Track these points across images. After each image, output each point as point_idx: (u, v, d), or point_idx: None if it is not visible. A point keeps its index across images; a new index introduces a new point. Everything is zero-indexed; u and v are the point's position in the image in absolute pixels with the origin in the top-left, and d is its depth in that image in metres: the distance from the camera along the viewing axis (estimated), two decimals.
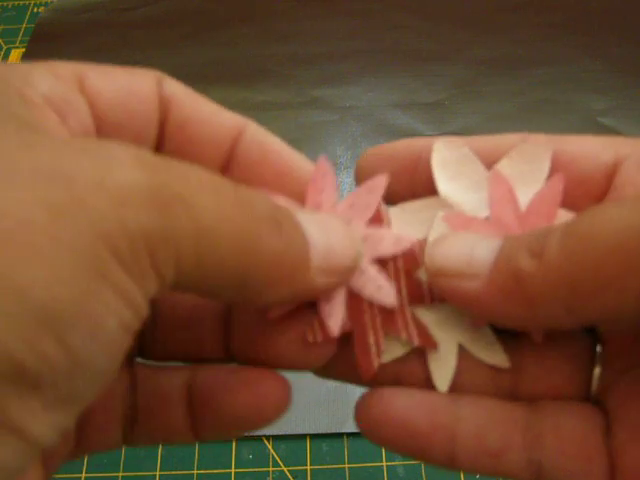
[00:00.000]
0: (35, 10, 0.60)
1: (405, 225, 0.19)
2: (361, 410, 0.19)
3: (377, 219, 0.19)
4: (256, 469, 0.36)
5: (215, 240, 0.14)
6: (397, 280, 0.19)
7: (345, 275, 0.18)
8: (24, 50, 0.56)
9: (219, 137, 0.19)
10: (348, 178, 0.47)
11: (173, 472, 0.36)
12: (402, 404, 0.18)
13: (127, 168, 0.13)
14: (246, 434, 0.19)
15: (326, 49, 0.55)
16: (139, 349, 0.20)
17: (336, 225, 0.18)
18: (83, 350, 0.12)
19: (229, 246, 0.14)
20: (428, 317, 0.19)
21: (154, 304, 0.20)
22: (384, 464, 0.36)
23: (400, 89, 0.52)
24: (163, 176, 0.13)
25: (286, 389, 0.18)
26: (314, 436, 0.37)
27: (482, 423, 0.18)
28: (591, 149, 0.19)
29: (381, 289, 0.18)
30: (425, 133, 0.49)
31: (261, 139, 0.20)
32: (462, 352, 0.19)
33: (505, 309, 0.16)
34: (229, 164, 0.19)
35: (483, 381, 0.19)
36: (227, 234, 0.14)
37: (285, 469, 0.36)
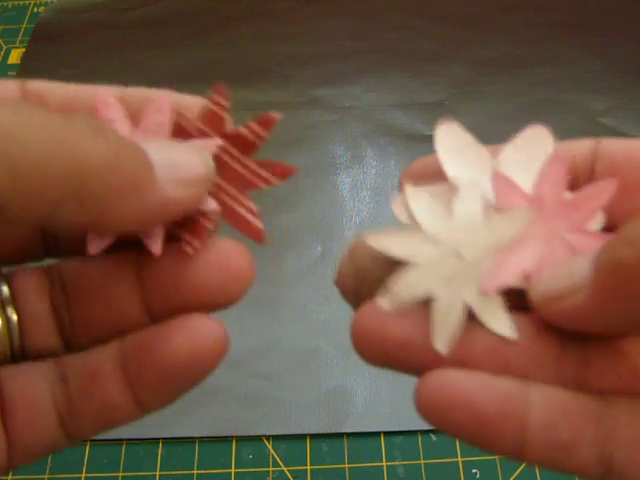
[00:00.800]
0: (35, 10, 0.60)
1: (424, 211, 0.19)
2: (423, 392, 0.18)
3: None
4: (256, 469, 0.36)
5: (22, 144, 0.13)
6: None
7: (199, 185, 0.17)
8: (24, 50, 0.56)
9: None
10: (348, 178, 0.47)
11: (173, 472, 0.36)
12: (471, 388, 0.17)
13: None
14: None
15: (326, 49, 0.55)
16: (65, 341, 0.19)
17: (176, 143, 0.17)
18: None
19: (42, 149, 0.13)
20: (440, 270, 0.18)
21: (63, 285, 0.19)
22: (384, 464, 0.36)
23: (400, 89, 0.52)
24: None
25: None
26: (314, 436, 0.37)
27: (554, 413, 0.17)
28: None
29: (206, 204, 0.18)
30: (425, 133, 0.49)
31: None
32: (527, 340, 0.18)
33: (612, 310, 0.16)
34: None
35: (548, 373, 0.18)
36: (35, 136, 0.13)
37: (285, 469, 0.36)
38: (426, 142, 0.48)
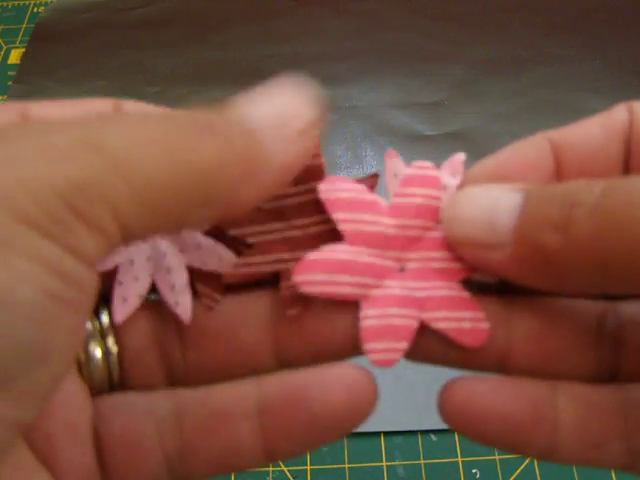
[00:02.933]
0: (35, 10, 0.60)
1: None
2: (450, 402, 0.17)
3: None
4: (256, 469, 0.36)
5: (141, 169, 0.13)
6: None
7: (308, 135, 0.16)
8: (24, 50, 0.56)
9: None
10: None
11: None
12: (501, 398, 0.17)
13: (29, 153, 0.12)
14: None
15: (326, 49, 0.55)
16: (170, 379, 0.18)
17: (281, 92, 0.16)
18: None
19: (158, 167, 0.13)
20: None
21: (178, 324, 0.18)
22: (384, 464, 0.36)
23: (400, 89, 0.52)
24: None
25: (372, 378, 0.17)
26: None
27: (582, 413, 0.17)
28: (596, 123, 0.18)
29: (222, 258, 0.18)
30: (425, 133, 0.49)
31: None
32: (559, 335, 0.18)
33: (534, 279, 0.16)
34: None
35: (581, 363, 0.18)
36: (149, 156, 0.13)
37: (285, 469, 0.36)
38: (426, 142, 0.48)
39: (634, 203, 0.14)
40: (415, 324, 0.17)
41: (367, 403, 0.16)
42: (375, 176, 0.19)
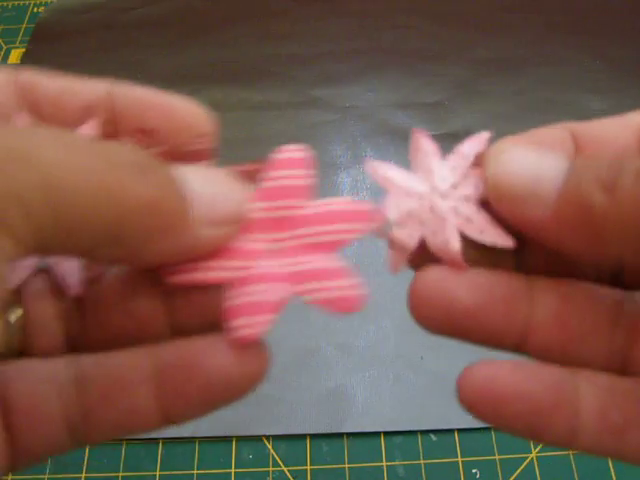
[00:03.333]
0: (35, 10, 0.60)
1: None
2: (469, 385, 0.17)
3: None
4: (256, 469, 0.36)
5: (69, 191, 0.13)
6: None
7: (233, 225, 0.17)
8: (24, 50, 0.56)
9: (75, 106, 0.19)
10: (348, 178, 0.47)
11: (173, 472, 0.36)
12: (521, 379, 0.17)
13: None
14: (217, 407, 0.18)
15: (326, 49, 0.55)
16: (71, 343, 0.19)
17: (218, 173, 0.17)
18: None
19: (86, 196, 0.13)
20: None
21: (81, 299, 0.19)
22: (384, 464, 0.36)
23: (400, 89, 0.52)
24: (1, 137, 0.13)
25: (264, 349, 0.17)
26: (314, 436, 0.37)
27: (604, 400, 0.17)
28: (613, 121, 0.19)
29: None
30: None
31: (135, 93, 0.20)
32: (579, 319, 0.18)
33: (572, 241, 0.16)
34: (117, 130, 0.19)
35: (602, 340, 0.18)
36: (82, 183, 0.13)
37: (285, 469, 0.36)
38: None
39: None
40: (283, 297, 0.18)
41: (259, 367, 0.17)
42: (257, 164, 0.19)
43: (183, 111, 0.20)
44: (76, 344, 0.19)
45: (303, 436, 0.37)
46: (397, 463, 0.36)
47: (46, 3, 0.60)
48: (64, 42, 0.56)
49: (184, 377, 0.17)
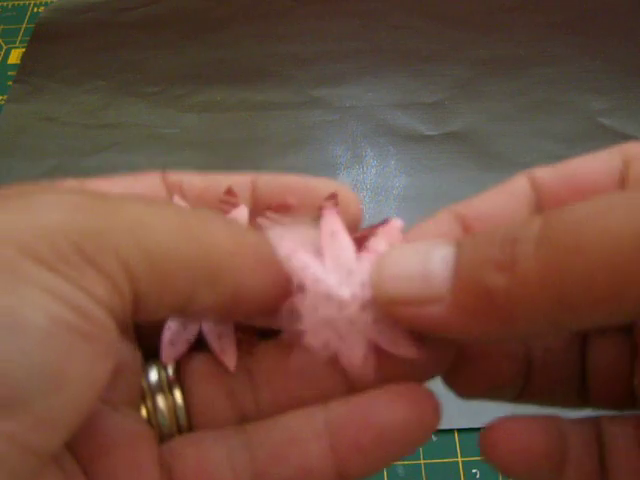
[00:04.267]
0: (35, 10, 0.60)
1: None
2: (494, 446, 0.18)
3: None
4: None
5: (154, 233, 0.14)
6: None
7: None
8: (24, 50, 0.56)
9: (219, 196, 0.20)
10: (348, 178, 0.47)
11: None
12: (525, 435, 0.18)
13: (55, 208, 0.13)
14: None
15: (326, 49, 0.55)
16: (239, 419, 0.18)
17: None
18: (5, 347, 0.12)
19: (174, 237, 0.14)
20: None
21: None
22: None
23: (400, 89, 0.52)
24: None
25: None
26: None
27: (587, 442, 0.18)
28: (596, 160, 0.18)
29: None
30: (425, 133, 0.49)
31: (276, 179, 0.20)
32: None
33: (479, 329, 0.15)
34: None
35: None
36: (164, 227, 0.14)
37: None
38: (426, 142, 0.48)
39: (577, 228, 0.13)
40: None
41: (431, 415, 0.17)
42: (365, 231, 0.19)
43: (324, 189, 0.19)
44: (246, 415, 0.18)
45: None
46: (397, 463, 0.36)
47: (46, 3, 0.60)
48: (64, 42, 0.56)
49: (358, 431, 0.17)
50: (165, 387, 0.19)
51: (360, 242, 0.18)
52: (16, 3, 0.61)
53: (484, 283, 0.14)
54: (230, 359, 0.18)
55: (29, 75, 0.54)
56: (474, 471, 0.35)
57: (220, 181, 0.20)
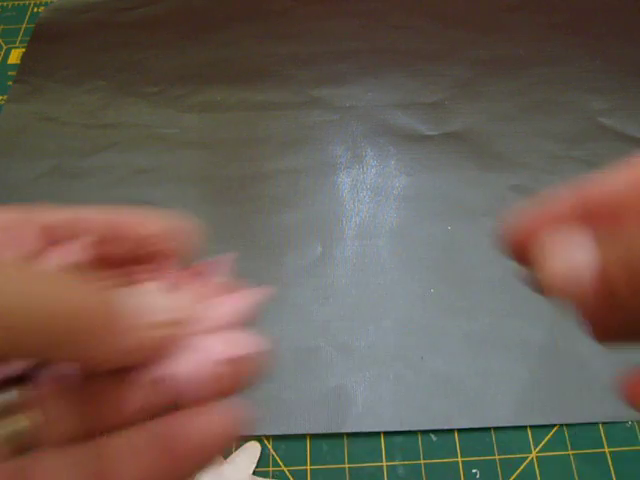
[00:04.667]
0: (35, 10, 0.60)
1: None
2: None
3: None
4: (256, 469, 0.36)
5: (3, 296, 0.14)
6: None
7: (170, 328, 0.18)
8: (24, 50, 0.56)
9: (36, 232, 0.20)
10: (348, 178, 0.47)
11: None
12: None
13: None
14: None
15: (326, 49, 0.55)
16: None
17: (152, 287, 0.19)
18: None
19: (17, 299, 0.14)
20: None
21: None
22: (384, 464, 0.36)
23: (400, 89, 0.52)
24: None
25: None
26: (314, 436, 0.37)
27: None
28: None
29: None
30: (425, 133, 0.49)
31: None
32: None
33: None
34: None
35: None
36: (8, 288, 0.14)
37: (285, 469, 0.36)
38: (426, 142, 0.48)
39: None
40: None
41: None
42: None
43: (149, 226, 0.20)
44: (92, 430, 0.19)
45: (303, 436, 0.37)
46: (397, 463, 0.36)
47: (46, 3, 0.60)
48: (64, 42, 0.56)
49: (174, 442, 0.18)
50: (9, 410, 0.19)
51: (191, 277, 0.19)
52: (16, 3, 0.61)
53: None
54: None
55: (29, 75, 0.54)
56: (474, 471, 0.35)
57: (70, 217, 0.20)
